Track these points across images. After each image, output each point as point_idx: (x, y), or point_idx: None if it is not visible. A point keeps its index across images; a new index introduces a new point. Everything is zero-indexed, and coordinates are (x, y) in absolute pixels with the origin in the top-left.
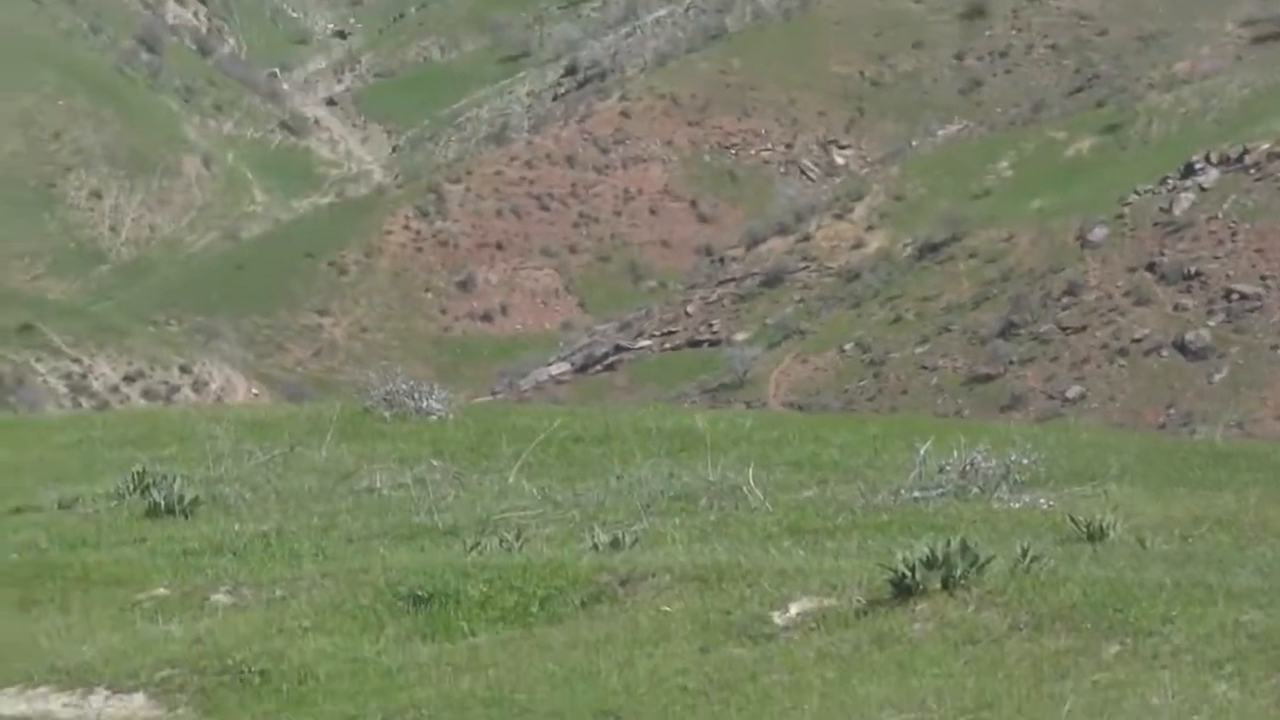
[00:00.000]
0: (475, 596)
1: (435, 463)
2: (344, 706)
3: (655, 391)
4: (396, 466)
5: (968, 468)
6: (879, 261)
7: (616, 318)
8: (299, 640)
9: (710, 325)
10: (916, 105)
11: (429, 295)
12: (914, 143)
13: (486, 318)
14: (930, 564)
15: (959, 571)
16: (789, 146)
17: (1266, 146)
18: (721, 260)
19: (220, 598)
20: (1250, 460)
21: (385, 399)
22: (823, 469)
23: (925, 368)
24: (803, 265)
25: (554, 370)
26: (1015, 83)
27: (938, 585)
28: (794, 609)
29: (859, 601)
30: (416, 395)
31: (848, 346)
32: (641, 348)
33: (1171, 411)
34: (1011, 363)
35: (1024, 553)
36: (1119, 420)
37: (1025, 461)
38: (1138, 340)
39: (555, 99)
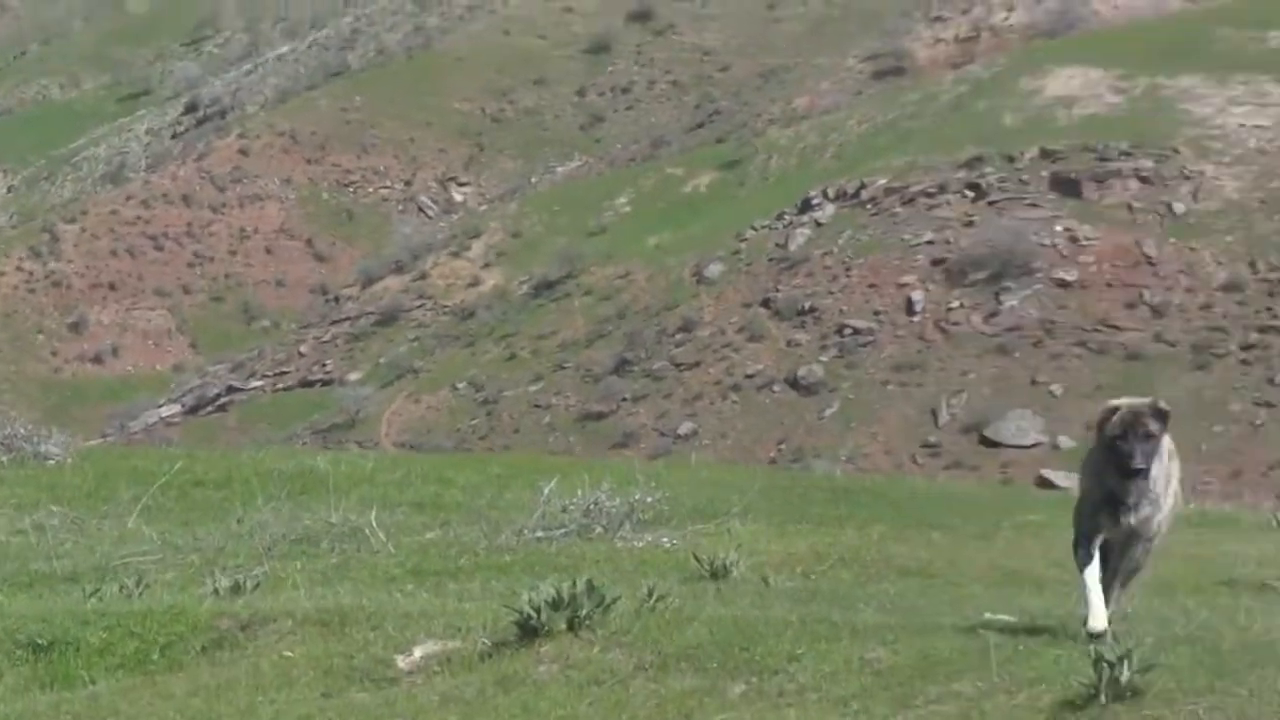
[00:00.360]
0: (95, 644)
1: (54, 508)
2: None
3: (267, 432)
4: (14, 513)
5: (591, 507)
6: (494, 299)
7: (229, 358)
8: None
9: (323, 365)
10: (536, 142)
11: (40, 337)
12: (533, 180)
13: (97, 359)
14: (556, 605)
15: (584, 612)
16: (408, 184)
17: (883, 182)
18: (336, 299)
19: None
20: (871, 495)
21: (2, 443)
22: (445, 510)
23: (538, 406)
24: (418, 304)
25: (164, 412)
26: (636, 119)
27: (563, 626)
28: (418, 652)
29: (484, 644)
30: (34, 439)
31: (460, 385)
32: (254, 388)
33: (783, 447)
34: (624, 400)
35: (650, 592)
36: (731, 456)
37: (649, 500)
38: (750, 376)
39: (174, 137)
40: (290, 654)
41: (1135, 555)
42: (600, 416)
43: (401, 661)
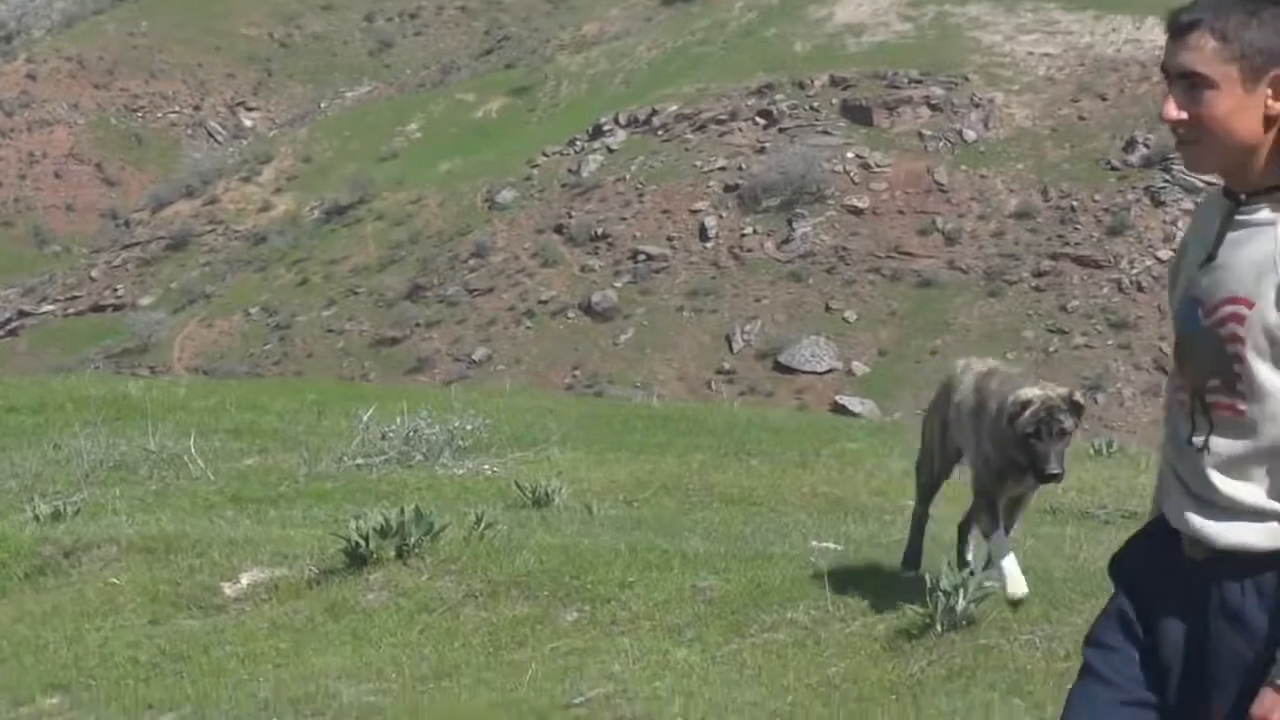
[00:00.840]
0: None
1: None
2: None
3: (59, 357)
4: None
5: (411, 434)
6: (286, 225)
7: (19, 282)
8: None
9: (115, 290)
10: (325, 68)
11: None
12: (323, 105)
13: None
14: (384, 532)
15: (413, 539)
16: (196, 109)
17: (675, 108)
18: (127, 224)
19: None
20: (690, 423)
21: None
22: (262, 436)
23: (331, 331)
24: (209, 229)
25: None
26: (425, 45)
27: (392, 554)
28: (245, 579)
29: (311, 571)
30: None
31: (253, 310)
32: (44, 312)
33: (578, 373)
34: (418, 325)
35: (478, 520)
36: (526, 382)
37: (468, 427)
38: (544, 302)
39: None
40: (116, 581)
41: (1027, 501)
42: (394, 342)
43: (229, 589)
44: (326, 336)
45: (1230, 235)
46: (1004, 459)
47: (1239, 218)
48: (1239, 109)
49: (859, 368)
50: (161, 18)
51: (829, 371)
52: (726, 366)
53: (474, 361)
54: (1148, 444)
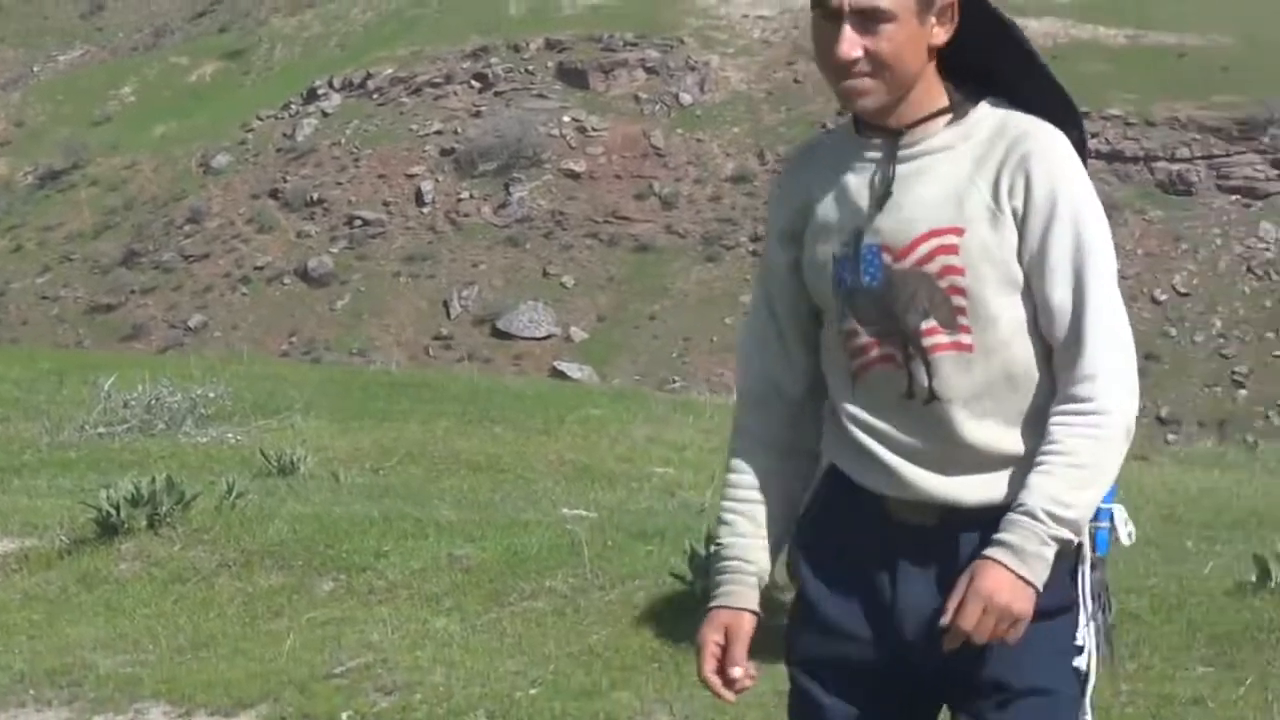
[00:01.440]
0: None
1: None
2: None
3: None
4: None
5: (153, 402)
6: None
7: None
8: None
9: None
10: (37, 31)
11: None
12: (35, 69)
13: None
14: (135, 501)
15: (164, 509)
16: None
17: (390, 71)
18: None
19: None
20: (431, 390)
21: None
22: (2, 405)
23: (46, 298)
24: None
25: None
26: (138, 7)
27: (143, 523)
28: None
29: (62, 541)
30: None
31: None
32: None
33: (294, 339)
34: (133, 292)
35: (229, 489)
36: (243, 349)
37: (210, 395)
38: (259, 268)
39: None
40: None
41: None
42: (110, 309)
43: None
44: (41, 303)
45: (902, 170)
46: None
47: (905, 151)
48: (911, 40)
49: (577, 333)
50: None
51: (547, 337)
52: (444, 332)
53: (190, 328)
54: None
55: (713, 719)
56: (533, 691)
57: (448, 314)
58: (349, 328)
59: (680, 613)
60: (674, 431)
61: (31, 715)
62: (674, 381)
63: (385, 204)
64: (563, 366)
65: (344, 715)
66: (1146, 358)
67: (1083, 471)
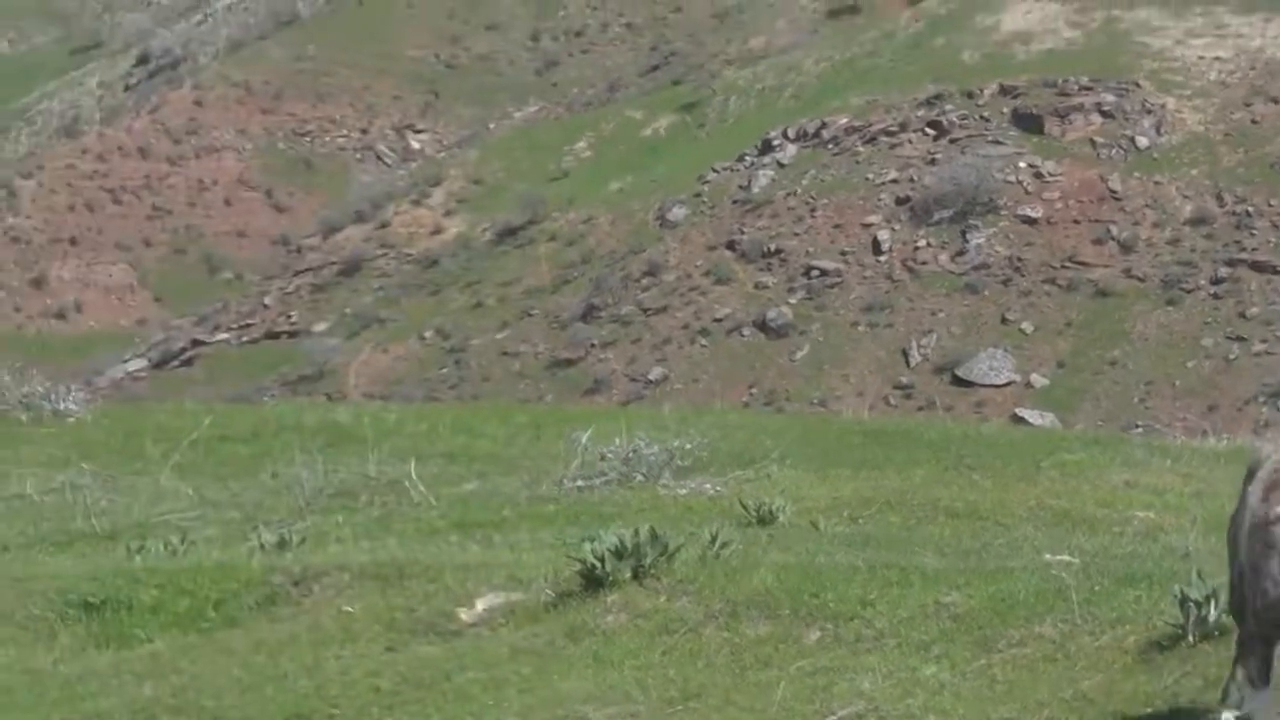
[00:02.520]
0: (147, 602)
1: (84, 466)
2: (26, 718)
3: (235, 386)
4: (44, 471)
5: (630, 455)
6: (458, 247)
7: (192, 312)
8: None
9: (288, 316)
10: (492, 88)
11: (2, 294)
12: (491, 125)
13: (60, 315)
14: (619, 554)
15: (648, 560)
16: (364, 132)
17: (844, 121)
18: (299, 250)
19: None
20: (905, 438)
21: (21, 401)
22: (478, 461)
23: (507, 353)
24: (381, 253)
25: (131, 367)
26: (591, 62)
27: (628, 575)
28: (480, 605)
29: (548, 595)
30: (53, 397)
31: (427, 334)
32: (219, 341)
33: (754, 390)
34: (593, 345)
35: (713, 539)
36: (702, 401)
37: (687, 446)
38: (719, 320)
39: (127, 89)
40: (350, 609)
41: None
42: (570, 363)
43: (464, 614)
44: (501, 359)
45: None
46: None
47: None
48: None
49: (1037, 379)
50: (327, 41)
51: (1007, 384)
52: (904, 381)
53: (650, 381)
54: None
55: None
56: None
57: (907, 362)
58: (808, 378)
59: (1173, 657)
60: (1152, 476)
61: None
62: (1138, 426)
63: (842, 253)
64: (1024, 413)
65: None
66: None
67: None
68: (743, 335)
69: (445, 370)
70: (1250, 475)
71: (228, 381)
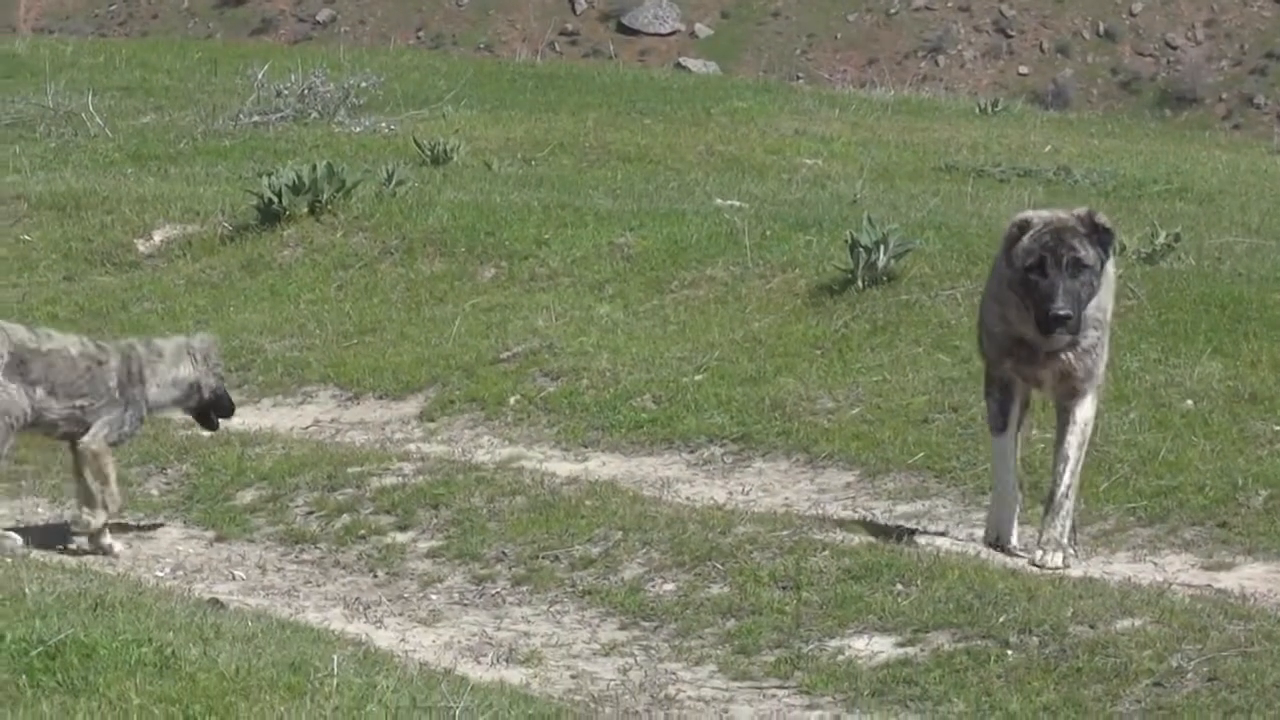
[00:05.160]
0: None
1: None
2: None
3: None
4: None
5: (306, 91)
6: None
7: None
8: None
9: None
10: None
11: None
12: None
13: None
14: (296, 189)
15: (325, 196)
16: None
17: None
18: None
19: None
20: (578, 81)
21: None
22: (155, 94)
23: None
24: None
25: None
26: None
27: (304, 210)
28: (157, 236)
29: (224, 228)
30: None
31: None
32: None
33: (421, 34)
34: None
35: (389, 176)
36: (371, 43)
37: (363, 85)
38: None
39: None
40: (28, 237)
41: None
42: (239, 2)
43: (141, 245)
44: None
45: None
46: (1004, 331)
47: None
48: None
49: (701, 30)
50: None
51: (672, 33)
52: (570, 28)
53: (318, 22)
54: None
55: (876, 404)
56: (698, 377)
57: (573, 9)
58: (475, 23)
59: (842, 301)
60: (820, 124)
61: None
62: (799, 77)
63: None
64: (688, 62)
65: (512, 399)
66: None
67: None
68: None
69: (114, 7)
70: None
71: None
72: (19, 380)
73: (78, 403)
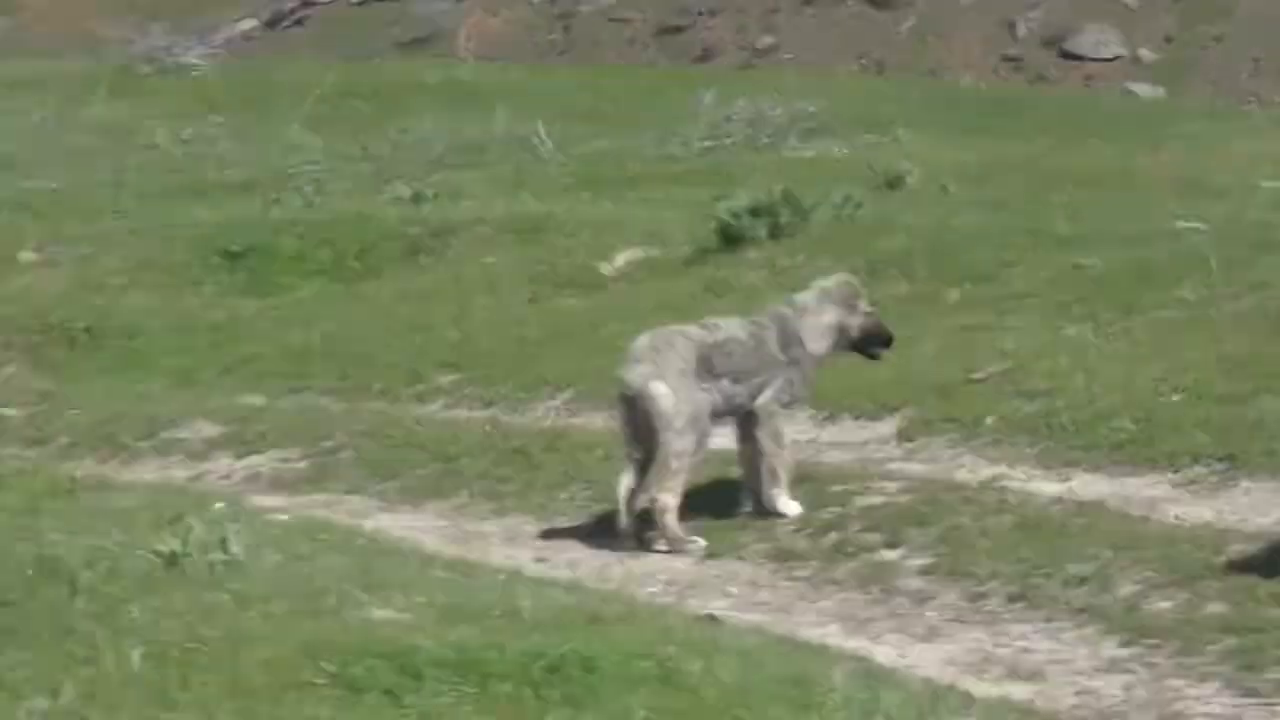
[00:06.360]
0: (289, 250)
1: (213, 117)
2: (179, 360)
3: (346, 47)
4: (173, 121)
5: (756, 116)
6: None
7: None
8: (119, 297)
9: None
10: None
11: None
12: None
13: None
14: (756, 212)
15: (784, 219)
16: None
17: None
18: None
19: (27, 255)
20: (1025, 106)
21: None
22: (604, 120)
23: (614, 19)
24: None
25: (243, 26)
26: None
27: (764, 234)
28: (620, 259)
29: (686, 250)
30: (175, 50)
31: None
32: (329, 2)
33: (863, 61)
34: (700, 14)
35: (845, 200)
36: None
37: (810, 110)
38: None
39: None
40: (491, 259)
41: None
42: (678, 30)
43: (605, 268)
44: (610, 26)
45: None
46: None
47: None
48: None
49: (1145, 54)
50: None
51: (1115, 59)
52: (1012, 53)
53: (758, 50)
54: None
55: None
56: (1175, 398)
57: (1014, 35)
58: (915, 51)
59: None
60: (1276, 145)
61: None
62: (1250, 100)
63: None
64: (1133, 87)
65: (989, 419)
66: None
67: None
68: (847, 5)
69: (554, 36)
70: None
71: (339, 42)
72: (708, 379)
73: (756, 380)
